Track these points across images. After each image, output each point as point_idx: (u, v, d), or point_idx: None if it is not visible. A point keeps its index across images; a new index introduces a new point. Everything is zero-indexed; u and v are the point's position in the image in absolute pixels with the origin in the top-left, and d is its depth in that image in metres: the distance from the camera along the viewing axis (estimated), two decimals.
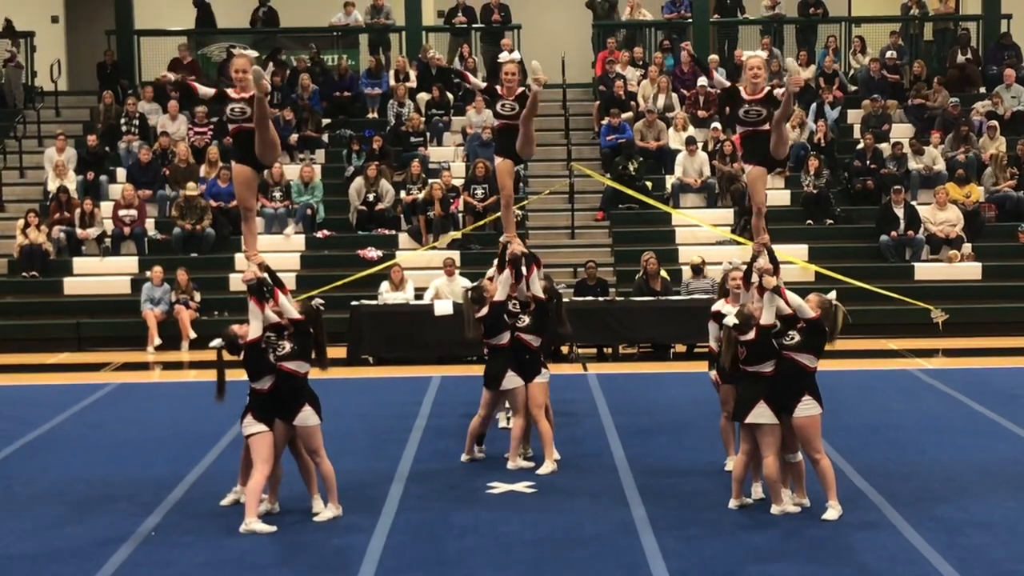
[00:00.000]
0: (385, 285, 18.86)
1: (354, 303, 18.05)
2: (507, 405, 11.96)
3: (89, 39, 26.74)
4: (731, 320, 9.84)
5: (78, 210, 21.10)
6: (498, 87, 11.59)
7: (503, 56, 11.80)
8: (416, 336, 17.71)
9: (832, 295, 9.95)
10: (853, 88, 24.48)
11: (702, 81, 23.24)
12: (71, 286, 20.60)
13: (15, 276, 20.73)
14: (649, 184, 21.83)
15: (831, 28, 25.57)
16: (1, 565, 9.01)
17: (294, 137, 22.71)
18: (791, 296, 9.83)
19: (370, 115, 24.08)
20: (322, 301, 10.37)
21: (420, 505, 10.32)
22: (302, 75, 23.70)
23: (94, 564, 8.90)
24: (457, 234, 20.76)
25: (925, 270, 20.60)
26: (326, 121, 23.75)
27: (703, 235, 21.01)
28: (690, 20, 25.02)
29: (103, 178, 22.30)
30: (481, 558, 8.98)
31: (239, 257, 20.22)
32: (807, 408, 9.71)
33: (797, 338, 9.74)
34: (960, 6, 27.57)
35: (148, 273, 19.70)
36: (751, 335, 9.79)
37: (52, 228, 20.93)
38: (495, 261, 11.84)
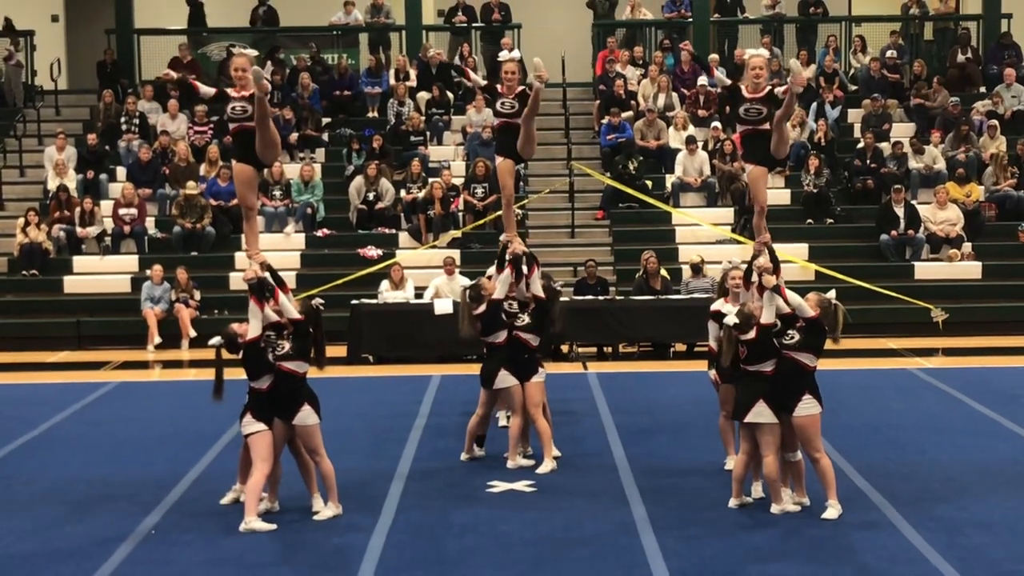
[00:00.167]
0: (385, 284, 18.86)
1: (354, 302, 18.05)
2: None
3: (89, 38, 26.75)
4: (731, 319, 9.84)
5: (78, 209, 21.10)
6: (498, 86, 11.59)
7: (503, 55, 11.80)
8: (416, 335, 17.71)
9: (831, 294, 9.95)
10: (853, 87, 24.48)
11: (702, 80, 23.22)
12: (71, 285, 20.60)
13: (15, 275, 20.73)
14: (649, 183, 21.83)
15: (831, 27, 25.58)
16: (1, 564, 9.01)
17: (294, 136, 22.71)
18: (791, 295, 9.83)
19: (370, 114, 24.08)
20: (322, 301, 10.36)
21: (420, 504, 10.32)
22: (302, 74, 23.70)
23: (94, 563, 8.90)
24: (457, 233, 20.77)
25: (925, 269, 20.60)
26: (326, 120, 23.76)
27: (703, 234, 21.01)
28: (690, 19, 25.03)
29: (103, 177, 22.29)
30: (481, 557, 8.97)
31: (239, 256, 20.24)
32: (807, 407, 9.71)
33: (797, 337, 9.74)
34: (960, 6, 27.58)
35: (148, 272, 19.70)
36: (751, 334, 9.79)
37: (52, 227, 20.93)
38: (496, 260, 11.84)
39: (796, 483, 10.06)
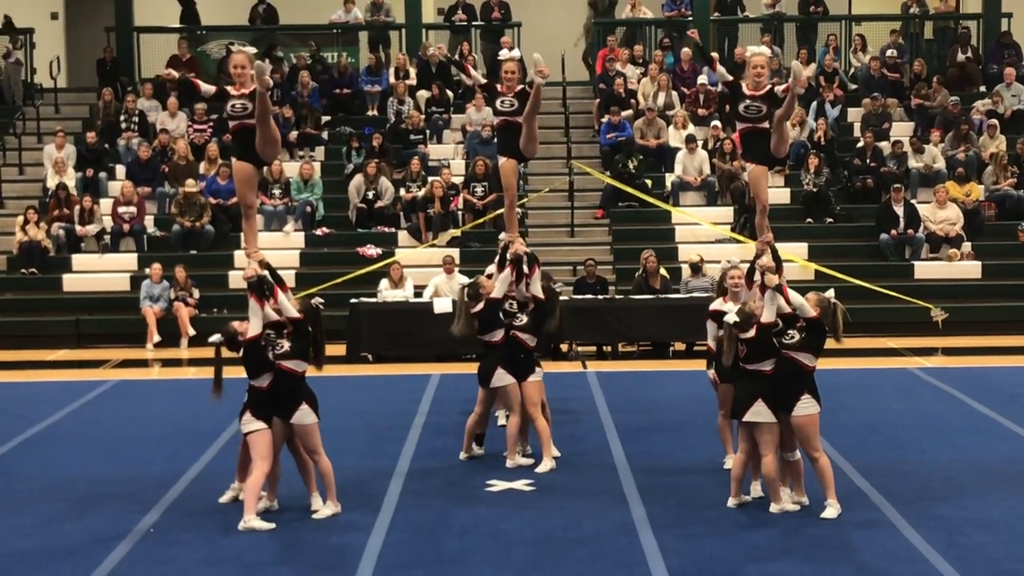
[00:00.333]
0: (384, 283, 18.85)
1: (353, 300, 18.04)
2: None
3: (88, 36, 26.74)
4: (732, 317, 9.83)
5: (77, 207, 21.09)
6: (498, 85, 11.59)
7: (503, 54, 11.80)
8: (415, 334, 17.70)
9: (830, 293, 9.94)
10: (853, 86, 24.48)
11: (702, 79, 23.23)
12: (70, 283, 20.59)
13: (14, 273, 20.72)
14: (649, 182, 21.82)
15: (831, 26, 25.56)
16: (0, 562, 9.00)
17: (294, 134, 22.70)
18: (792, 295, 9.83)
19: (370, 112, 24.06)
20: (321, 300, 10.35)
21: (419, 503, 10.32)
22: (302, 72, 23.69)
23: (92, 561, 8.90)
24: (456, 232, 20.77)
25: (925, 269, 20.60)
26: (326, 118, 23.74)
27: (703, 233, 21.01)
28: (690, 18, 25.01)
29: (102, 175, 22.28)
30: (480, 556, 8.97)
31: (238, 254, 20.23)
32: (806, 407, 9.71)
33: (797, 337, 9.74)
34: (960, 5, 27.58)
35: (147, 270, 19.69)
36: (752, 333, 9.78)
37: (51, 225, 20.92)
38: (496, 259, 11.84)
39: (795, 482, 10.06)
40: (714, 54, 11.34)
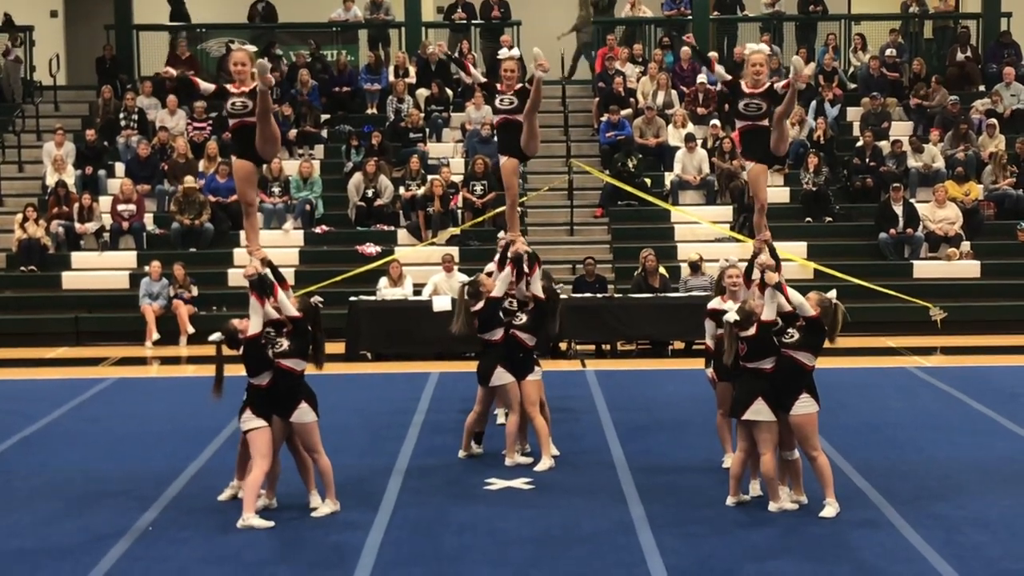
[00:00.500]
0: (383, 281, 18.86)
1: (352, 299, 18.05)
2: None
3: (88, 34, 26.73)
4: (732, 316, 9.84)
5: (76, 205, 21.08)
6: (497, 84, 11.59)
7: (503, 53, 11.80)
8: (414, 332, 17.70)
9: (832, 294, 9.95)
10: (853, 86, 24.47)
11: (702, 78, 23.25)
12: (69, 281, 20.59)
13: (13, 271, 20.71)
14: (648, 181, 21.82)
15: (831, 25, 25.56)
16: None
17: (293, 132, 22.69)
18: (792, 293, 9.83)
19: (369, 111, 24.05)
20: (321, 299, 10.35)
21: (418, 501, 10.32)
22: (301, 70, 23.69)
23: (91, 559, 8.90)
24: (456, 230, 20.77)
25: (924, 268, 20.60)
26: (325, 117, 23.74)
27: (702, 232, 21.02)
28: (690, 17, 25.02)
29: (102, 173, 22.27)
30: (478, 554, 8.98)
31: (237, 252, 20.25)
32: (804, 406, 9.71)
33: (797, 336, 9.74)
34: (960, 4, 27.57)
35: (147, 268, 19.69)
36: (752, 331, 9.79)
37: (50, 223, 20.92)
38: (496, 257, 11.84)
39: (794, 481, 10.06)
40: (712, 54, 11.32)
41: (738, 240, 19.84)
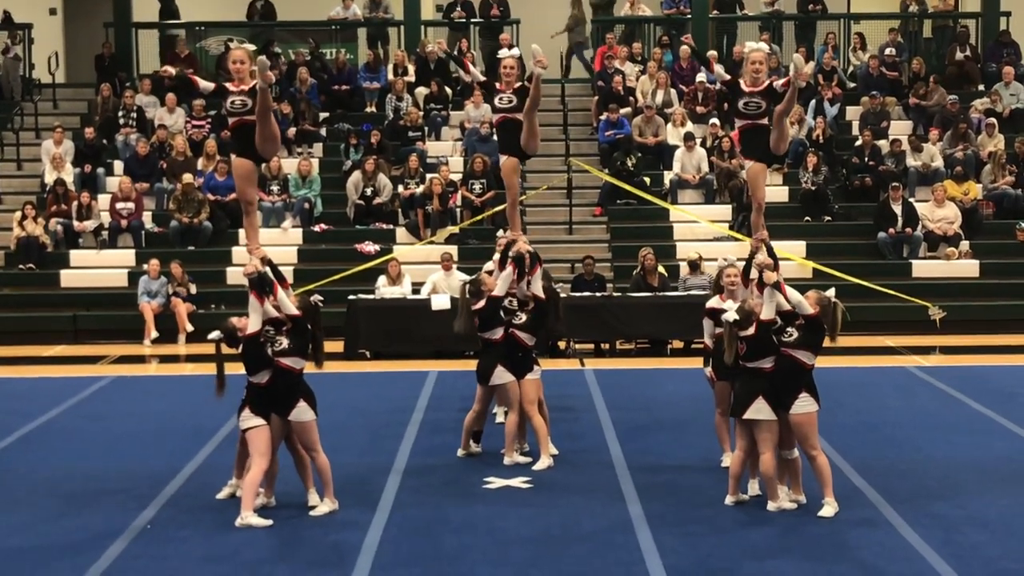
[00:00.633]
0: (382, 279, 18.85)
1: (351, 297, 18.05)
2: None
3: (87, 31, 26.72)
4: (732, 315, 9.83)
5: (75, 203, 21.07)
6: (497, 83, 11.58)
7: (502, 52, 11.80)
8: (413, 330, 17.70)
9: (831, 292, 9.94)
10: (852, 85, 24.47)
11: (701, 77, 23.25)
12: (68, 279, 20.58)
13: (12, 268, 20.71)
14: (647, 180, 21.82)
15: (830, 24, 25.55)
16: None
17: (292, 131, 22.67)
18: (791, 292, 9.82)
19: (368, 109, 24.05)
20: (321, 298, 10.34)
21: (416, 500, 10.32)
22: (300, 69, 23.69)
23: (90, 557, 8.89)
24: (455, 229, 20.77)
25: (923, 267, 20.60)
26: (324, 115, 23.74)
27: (701, 231, 21.02)
28: (689, 16, 25.03)
29: (100, 171, 22.27)
30: (477, 553, 8.97)
31: (236, 250, 20.25)
32: (804, 405, 9.71)
33: (796, 335, 9.74)
34: (959, 3, 27.56)
35: (145, 266, 19.68)
36: (751, 331, 9.78)
37: (49, 220, 20.91)
38: (495, 256, 11.83)
39: (793, 481, 10.06)
40: (711, 53, 11.31)
41: (737, 239, 19.84)
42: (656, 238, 20.64)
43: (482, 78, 12.25)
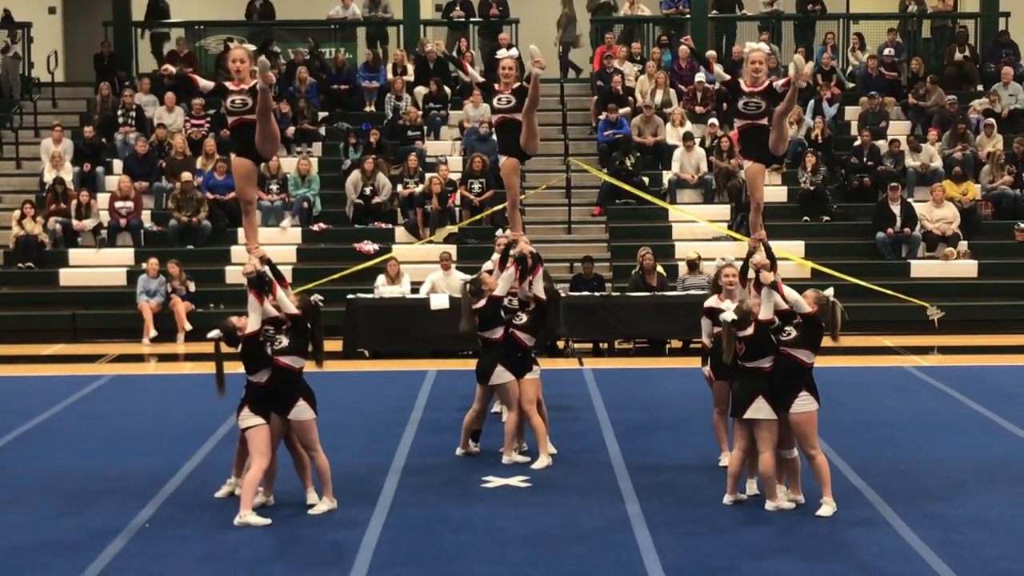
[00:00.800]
0: (381, 279, 18.85)
1: (350, 296, 18.05)
2: None
3: (86, 30, 26.71)
4: (730, 316, 9.84)
5: (74, 201, 21.07)
6: (496, 84, 11.59)
7: (500, 53, 11.80)
8: (412, 330, 17.71)
9: (829, 291, 9.95)
10: (851, 85, 24.47)
11: (700, 77, 23.25)
12: (67, 277, 20.58)
13: (11, 267, 20.70)
14: (646, 179, 21.82)
15: (829, 25, 25.56)
16: None
17: (291, 130, 22.66)
18: (788, 291, 9.83)
19: (367, 108, 24.05)
20: (320, 297, 10.35)
21: (415, 499, 10.32)
22: (299, 68, 23.68)
23: (88, 556, 8.90)
24: (454, 228, 20.77)
25: (921, 267, 20.60)
26: (323, 114, 23.73)
27: (700, 231, 21.02)
28: (688, 16, 25.03)
29: (99, 169, 22.26)
30: (476, 553, 8.98)
31: (235, 250, 20.25)
32: (804, 404, 9.71)
33: (794, 334, 9.74)
34: (958, 3, 27.57)
35: (144, 265, 19.68)
36: (749, 331, 9.79)
37: (48, 219, 20.90)
38: (495, 255, 11.82)
39: (791, 480, 10.06)
40: (711, 53, 11.32)
41: (736, 239, 19.84)
42: (655, 238, 20.64)
43: (480, 79, 12.26)
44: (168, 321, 19.19)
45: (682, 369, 16.05)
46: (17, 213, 20.81)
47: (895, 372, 16.25)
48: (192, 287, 19.52)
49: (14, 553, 9.06)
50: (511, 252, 11.48)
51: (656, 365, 17.15)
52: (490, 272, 11.78)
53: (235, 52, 10.14)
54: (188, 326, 19.01)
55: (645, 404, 14.25)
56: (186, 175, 20.89)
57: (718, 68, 11.07)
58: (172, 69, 11.24)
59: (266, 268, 9.94)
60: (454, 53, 24.00)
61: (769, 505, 9.85)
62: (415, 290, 18.63)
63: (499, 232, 11.86)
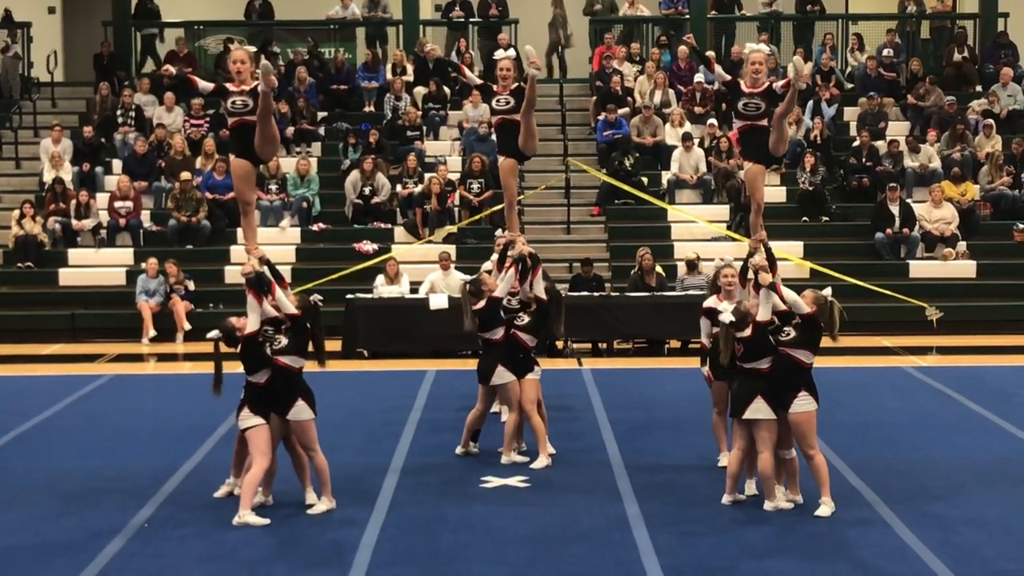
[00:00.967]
0: (380, 279, 18.86)
1: (349, 296, 18.06)
2: None
3: (86, 30, 26.72)
4: (728, 317, 9.85)
5: (74, 201, 21.08)
6: (494, 86, 11.60)
7: (498, 54, 11.81)
8: (411, 330, 17.72)
9: (827, 291, 9.96)
10: (850, 86, 24.48)
11: (699, 77, 23.26)
12: (66, 277, 20.58)
13: (10, 267, 20.70)
14: (645, 180, 21.83)
15: (828, 25, 25.58)
16: None
17: (290, 130, 22.67)
18: (787, 292, 9.84)
19: (366, 108, 24.05)
20: (320, 297, 10.35)
21: (414, 499, 10.32)
22: (298, 68, 23.69)
23: (87, 556, 8.90)
24: (453, 228, 20.77)
25: (920, 268, 20.61)
26: (322, 114, 23.74)
27: (699, 231, 21.03)
28: (688, 16, 25.03)
29: (99, 169, 22.26)
30: (475, 552, 8.98)
31: (234, 249, 20.25)
32: (803, 404, 9.72)
33: (793, 334, 9.75)
34: (957, 4, 27.59)
35: (143, 265, 19.68)
36: (748, 331, 9.80)
37: (48, 219, 20.91)
38: (494, 256, 11.83)
39: (790, 480, 10.07)
40: (710, 53, 11.34)
41: (735, 239, 19.85)
42: (654, 238, 20.65)
43: (479, 81, 12.28)
44: (167, 321, 19.20)
45: (681, 369, 16.06)
46: (16, 213, 20.81)
47: (894, 372, 16.26)
48: (191, 286, 19.53)
49: (14, 553, 9.06)
50: (509, 253, 11.49)
51: (655, 365, 17.16)
52: (489, 272, 11.79)
53: (236, 53, 10.14)
54: (187, 326, 19.02)
55: (644, 404, 14.25)
56: (185, 175, 20.90)
57: (718, 68, 11.08)
58: (172, 69, 11.26)
59: (265, 268, 9.95)
60: (453, 54, 24.03)
61: (768, 505, 9.86)
62: (414, 290, 18.64)
63: (498, 232, 11.88)
